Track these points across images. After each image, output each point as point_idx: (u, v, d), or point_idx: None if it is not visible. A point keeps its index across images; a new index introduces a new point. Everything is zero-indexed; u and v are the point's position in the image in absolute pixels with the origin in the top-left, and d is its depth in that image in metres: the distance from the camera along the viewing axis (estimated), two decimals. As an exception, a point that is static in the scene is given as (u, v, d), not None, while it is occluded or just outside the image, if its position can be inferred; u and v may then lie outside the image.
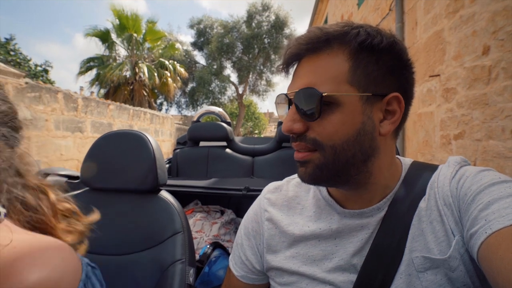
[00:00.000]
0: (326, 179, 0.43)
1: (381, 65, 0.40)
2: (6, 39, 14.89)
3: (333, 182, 0.44)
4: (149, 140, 0.83)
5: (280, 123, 2.21)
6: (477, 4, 1.94)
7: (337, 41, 0.40)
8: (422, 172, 0.47)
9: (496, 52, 1.77)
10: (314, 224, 0.49)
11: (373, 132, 0.41)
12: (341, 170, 0.41)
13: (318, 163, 0.41)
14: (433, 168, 0.47)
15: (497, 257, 0.32)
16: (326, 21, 7.77)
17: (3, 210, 0.33)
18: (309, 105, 0.40)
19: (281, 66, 0.46)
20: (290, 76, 0.46)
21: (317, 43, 0.40)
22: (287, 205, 0.53)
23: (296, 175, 0.58)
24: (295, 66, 0.45)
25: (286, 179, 0.59)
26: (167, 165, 1.93)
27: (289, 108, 0.44)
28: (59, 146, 4.37)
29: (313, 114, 0.40)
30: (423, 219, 0.42)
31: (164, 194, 0.85)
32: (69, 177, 1.15)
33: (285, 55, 0.44)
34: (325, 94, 0.39)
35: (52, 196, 0.41)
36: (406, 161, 0.50)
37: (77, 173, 1.14)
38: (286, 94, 0.45)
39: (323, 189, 0.51)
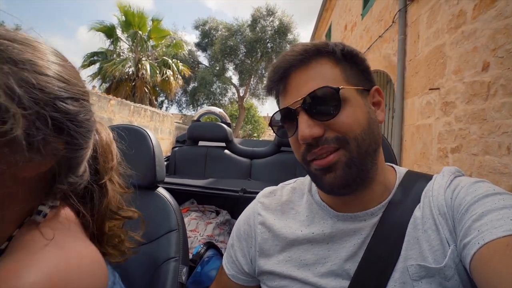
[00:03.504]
0: (354, 178, 0.43)
1: (358, 66, 0.46)
2: (10, 29, 14.86)
3: (358, 182, 0.44)
4: (149, 136, 0.83)
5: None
6: (479, 21, 1.97)
7: (323, 51, 0.45)
8: (416, 180, 0.48)
9: (495, 69, 1.80)
10: (307, 228, 0.49)
11: (375, 119, 0.46)
12: (363, 163, 0.43)
13: (345, 160, 0.42)
14: (427, 177, 0.48)
15: (489, 268, 0.32)
16: (329, 30, 7.84)
17: (45, 210, 0.36)
18: (325, 103, 0.42)
19: (272, 84, 0.47)
20: (270, 100, 0.48)
21: (307, 54, 0.44)
22: (281, 209, 0.54)
23: (291, 181, 0.59)
24: (276, 90, 0.48)
25: (281, 184, 0.59)
26: (165, 163, 1.93)
27: (295, 121, 0.44)
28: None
29: (332, 110, 0.42)
30: (418, 227, 0.43)
31: (161, 191, 0.85)
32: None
33: (275, 71, 0.46)
34: (342, 87, 0.42)
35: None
36: (401, 169, 0.51)
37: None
38: (288, 107, 0.44)
39: (316, 194, 0.51)
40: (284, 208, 0.54)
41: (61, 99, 0.33)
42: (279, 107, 0.50)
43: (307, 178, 0.57)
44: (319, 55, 0.44)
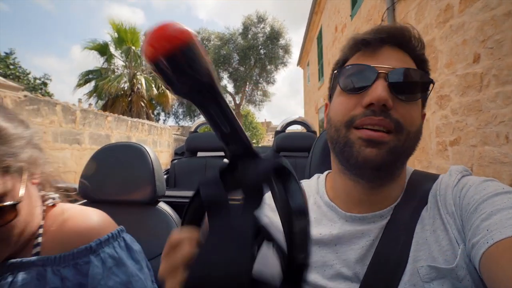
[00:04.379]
0: (391, 164, 0.42)
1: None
2: (6, 53, 15.03)
3: (391, 171, 0.44)
4: (147, 152, 0.83)
5: (277, 133, 2.22)
6: (466, 14, 2.00)
7: (418, 51, 0.46)
8: (423, 181, 0.47)
9: (486, 60, 1.82)
10: (315, 229, 0.48)
11: (422, 130, 0.46)
12: (403, 157, 0.43)
13: (392, 145, 0.41)
14: (433, 177, 0.48)
15: (498, 267, 0.32)
16: (320, 32, 7.94)
17: (56, 196, 0.57)
18: (412, 85, 0.43)
19: (369, 37, 0.45)
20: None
21: (405, 39, 0.45)
22: None
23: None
24: (362, 45, 0.46)
25: None
26: (165, 176, 1.93)
27: (371, 81, 0.43)
28: (57, 158, 4.34)
29: (411, 96, 0.43)
30: (426, 228, 0.42)
31: (163, 205, 0.84)
32: (67, 189, 1.14)
33: (378, 31, 0.45)
34: (432, 84, 0.44)
35: None
36: (408, 169, 0.51)
37: (75, 185, 1.14)
38: (372, 67, 0.43)
39: (324, 195, 0.51)
40: None
41: None
42: (340, 64, 0.49)
43: (313, 180, 0.57)
44: (414, 53, 0.46)
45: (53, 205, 0.55)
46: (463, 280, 0.37)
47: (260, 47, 14.71)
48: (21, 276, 0.44)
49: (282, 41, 14.78)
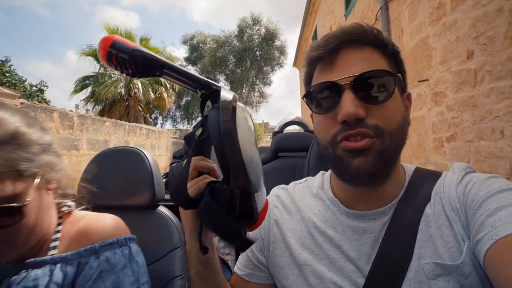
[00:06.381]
0: (383, 168, 0.42)
1: (399, 67, 0.47)
2: (1, 60, 14.97)
3: (384, 174, 0.44)
4: (146, 157, 0.84)
5: (275, 133, 2.23)
6: (458, 12, 2.02)
7: (379, 40, 0.45)
8: (425, 178, 0.47)
9: (479, 56, 1.83)
10: (319, 222, 0.49)
11: (408, 120, 0.46)
12: (392, 158, 0.43)
13: (378, 149, 0.41)
14: (436, 174, 0.48)
15: (503, 263, 0.32)
16: (315, 32, 7.97)
17: (72, 203, 0.60)
18: (377, 88, 0.41)
19: (319, 54, 0.44)
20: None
21: (366, 37, 0.44)
22: (295, 202, 0.54)
23: (302, 180, 0.59)
24: (318, 62, 0.46)
25: (292, 183, 0.59)
26: (164, 180, 1.92)
27: (339, 96, 0.42)
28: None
29: (382, 96, 0.41)
30: (431, 225, 0.42)
31: (162, 209, 0.85)
32: (65, 195, 1.14)
33: (328, 41, 0.44)
34: (399, 75, 0.43)
35: None
36: (409, 167, 0.51)
37: (73, 191, 1.14)
38: (334, 82, 0.42)
39: (329, 190, 0.51)
40: (298, 202, 0.54)
41: None
42: (308, 82, 0.49)
43: (318, 176, 0.58)
44: (374, 42, 0.44)
45: (69, 212, 0.57)
46: (468, 277, 0.37)
47: (255, 48, 14.75)
48: (34, 272, 0.47)
49: (277, 42, 14.84)
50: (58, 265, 0.49)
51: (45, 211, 0.50)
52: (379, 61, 0.44)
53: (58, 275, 0.47)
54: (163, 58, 0.36)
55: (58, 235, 0.53)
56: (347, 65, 0.43)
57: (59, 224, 0.54)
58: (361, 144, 0.41)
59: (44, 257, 0.49)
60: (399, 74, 0.45)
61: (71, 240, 0.53)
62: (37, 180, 0.47)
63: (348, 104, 0.40)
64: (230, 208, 0.34)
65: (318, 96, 0.45)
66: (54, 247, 0.51)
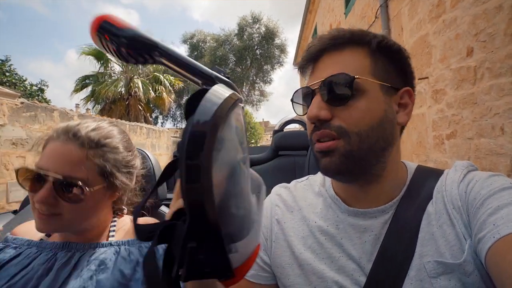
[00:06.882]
0: (350, 169, 0.43)
1: (394, 63, 0.46)
2: (2, 60, 14.98)
3: (355, 172, 0.44)
4: (147, 156, 0.84)
5: (275, 132, 2.23)
6: (458, 9, 2.02)
7: (359, 40, 0.45)
8: (427, 176, 0.47)
9: (479, 53, 1.83)
10: (321, 220, 0.49)
11: (393, 120, 0.45)
12: (363, 158, 0.43)
13: (343, 151, 0.42)
14: (438, 172, 0.48)
15: (505, 262, 0.32)
16: (315, 31, 7.95)
17: (125, 209, 0.68)
18: (339, 90, 0.42)
19: (303, 62, 0.48)
20: (295, 79, 0.50)
21: (342, 40, 0.45)
22: (296, 201, 0.54)
23: (304, 178, 0.59)
24: (306, 69, 0.49)
25: (294, 181, 0.60)
26: None
27: (311, 100, 0.45)
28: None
29: (343, 97, 0.42)
30: (433, 223, 0.42)
31: (164, 209, 0.85)
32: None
33: (309, 51, 0.47)
34: (357, 77, 0.42)
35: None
36: (411, 165, 0.51)
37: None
38: (308, 87, 0.46)
39: (330, 188, 0.52)
40: (299, 201, 0.54)
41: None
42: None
43: (319, 174, 0.58)
44: (353, 43, 0.45)
45: (121, 214, 0.69)
46: (470, 275, 0.37)
47: (255, 47, 14.73)
48: (102, 249, 0.57)
49: (277, 41, 14.81)
50: (123, 246, 0.59)
51: (101, 207, 0.60)
52: (359, 60, 0.44)
53: (124, 252, 0.58)
54: (157, 40, 0.30)
55: (114, 228, 0.64)
56: (323, 70, 0.45)
57: (114, 221, 0.66)
58: (325, 145, 0.43)
59: (109, 241, 0.60)
60: (359, 77, 0.42)
61: (125, 233, 0.64)
62: (105, 184, 0.57)
63: (312, 106, 0.43)
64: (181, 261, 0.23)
65: (298, 100, 0.49)
66: (113, 236, 0.63)
